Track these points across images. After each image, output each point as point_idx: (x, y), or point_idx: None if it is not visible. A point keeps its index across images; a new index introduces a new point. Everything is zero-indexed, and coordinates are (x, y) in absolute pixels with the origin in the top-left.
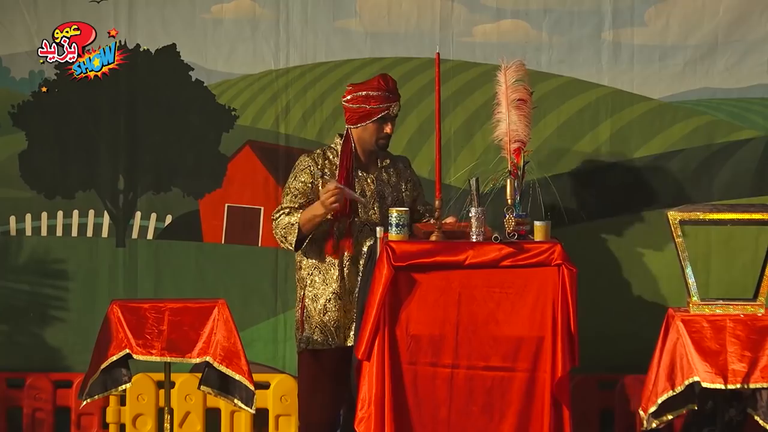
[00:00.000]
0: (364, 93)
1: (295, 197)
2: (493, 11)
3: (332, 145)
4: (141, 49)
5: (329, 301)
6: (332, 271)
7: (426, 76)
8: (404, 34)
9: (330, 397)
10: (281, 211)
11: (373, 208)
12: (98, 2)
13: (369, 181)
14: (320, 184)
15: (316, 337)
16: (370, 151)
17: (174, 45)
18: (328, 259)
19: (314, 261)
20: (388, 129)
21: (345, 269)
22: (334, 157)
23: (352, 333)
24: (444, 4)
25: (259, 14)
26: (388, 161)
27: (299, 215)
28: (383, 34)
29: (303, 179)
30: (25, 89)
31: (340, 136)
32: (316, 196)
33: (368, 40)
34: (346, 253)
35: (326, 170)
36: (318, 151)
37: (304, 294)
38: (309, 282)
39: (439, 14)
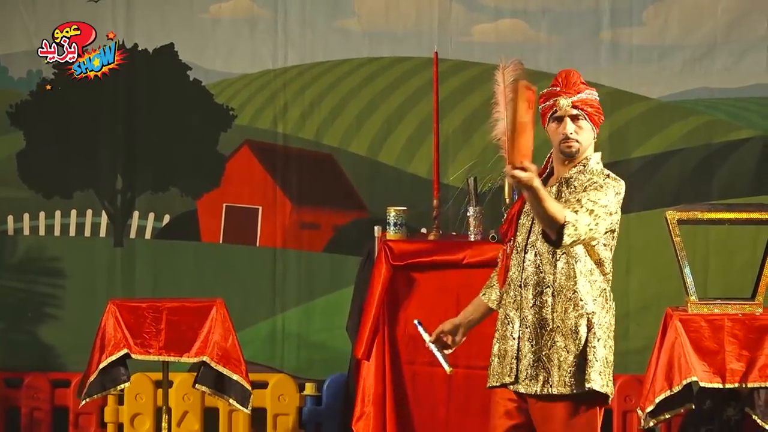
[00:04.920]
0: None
1: None
2: (492, 11)
3: None
4: (139, 49)
5: None
6: None
7: (424, 76)
8: (402, 34)
9: None
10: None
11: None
12: (96, 2)
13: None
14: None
15: None
16: (562, 159)
17: (172, 45)
18: None
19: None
20: (562, 129)
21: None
22: None
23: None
24: (442, 3)
25: (257, 14)
26: (567, 176)
27: None
28: (381, 34)
29: None
30: (23, 89)
31: None
32: None
33: (366, 39)
34: None
35: None
36: None
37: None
38: None
39: (438, 14)
